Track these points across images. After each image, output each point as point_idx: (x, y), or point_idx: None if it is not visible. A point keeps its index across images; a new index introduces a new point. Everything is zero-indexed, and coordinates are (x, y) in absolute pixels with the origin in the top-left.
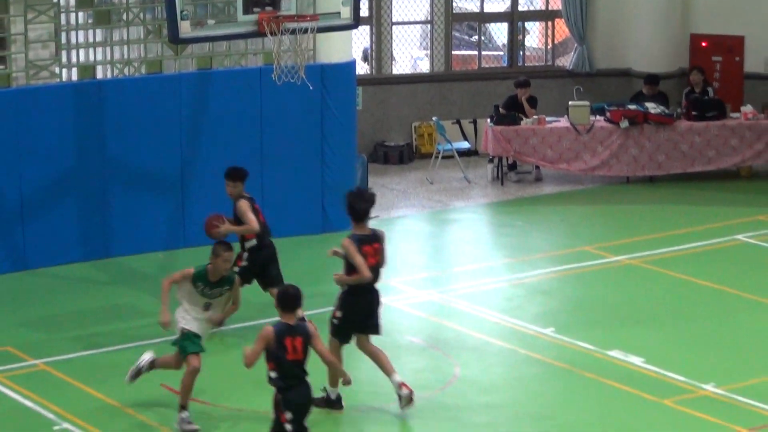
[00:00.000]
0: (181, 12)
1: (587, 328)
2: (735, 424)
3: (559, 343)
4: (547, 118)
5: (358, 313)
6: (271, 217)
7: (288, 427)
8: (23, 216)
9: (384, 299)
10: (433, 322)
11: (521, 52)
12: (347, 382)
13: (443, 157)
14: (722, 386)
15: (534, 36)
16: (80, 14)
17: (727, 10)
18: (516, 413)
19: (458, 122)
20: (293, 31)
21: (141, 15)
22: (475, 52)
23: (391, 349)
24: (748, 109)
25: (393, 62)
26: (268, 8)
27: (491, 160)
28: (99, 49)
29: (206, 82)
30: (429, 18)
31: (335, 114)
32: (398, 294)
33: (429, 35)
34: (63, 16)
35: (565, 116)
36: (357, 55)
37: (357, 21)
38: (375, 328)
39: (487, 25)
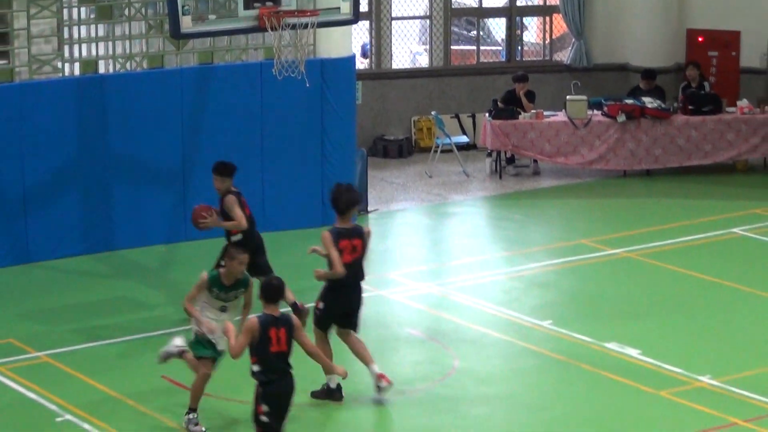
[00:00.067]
0: (183, 7)
1: (584, 320)
2: (730, 416)
3: (557, 335)
4: (545, 113)
5: (339, 308)
6: (271, 211)
7: (263, 419)
8: (26, 209)
9: (383, 292)
10: (432, 314)
11: (519, 47)
12: (342, 375)
13: (442, 151)
14: (718, 378)
15: (532, 31)
16: (82, 9)
17: (723, 6)
18: (513, 404)
19: (457, 116)
20: (293, 27)
21: (143, 10)
22: (474, 47)
23: (390, 341)
24: (744, 103)
25: (391, 57)
26: (269, 3)
27: (489, 154)
28: (101, 44)
29: (207, 76)
30: (428, 13)
31: (335, 108)
32: (397, 286)
33: (428, 30)
34: (65, 12)
35: (563, 110)
36: (356, 51)
37: (356, 16)
38: (353, 326)
39: (486, 20)
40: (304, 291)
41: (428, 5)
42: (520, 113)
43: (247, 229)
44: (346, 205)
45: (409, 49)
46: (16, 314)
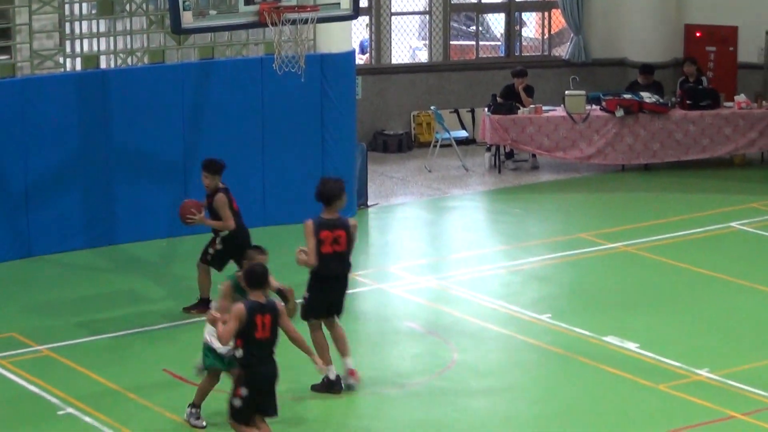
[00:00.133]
0: (184, 3)
1: (583, 313)
2: (729, 409)
3: (556, 329)
4: (544, 107)
5: (323, 299)
6: (271, 205)
7: (236, 402)
8: (28, 204)
9: (383, 285)
10: (432, 307)
11: (518, 43)
12: (319, 367)
13: (441, 146)
14: (716, 371)
15: (531, 26)
16: (84, 5)
17: (721, 1)
18: (512, 397)
19: (456, 111)
20: (294, 22)
21: (144, 5)
22: (473, 43)
23: (389, 335)
24: (741, 98)
25: (391, 52)
26: None
27: (489, 149)
28: (102, 40)
29: (208, 71)
30: (427, 9)
31: (335, 103)
32: (397, 280)
33: (427, 26)
34: (67, 7)
35: (562, 105)
36: (355, 47)
37: (356, 11)
38: (338, 313)
39: (485, 15)
40: (304, 286)
41: (427, 1)
42: (519, 108)
43: (236, 224)
44: (330, 196)
45: (409, 45)
46: (18, 308)
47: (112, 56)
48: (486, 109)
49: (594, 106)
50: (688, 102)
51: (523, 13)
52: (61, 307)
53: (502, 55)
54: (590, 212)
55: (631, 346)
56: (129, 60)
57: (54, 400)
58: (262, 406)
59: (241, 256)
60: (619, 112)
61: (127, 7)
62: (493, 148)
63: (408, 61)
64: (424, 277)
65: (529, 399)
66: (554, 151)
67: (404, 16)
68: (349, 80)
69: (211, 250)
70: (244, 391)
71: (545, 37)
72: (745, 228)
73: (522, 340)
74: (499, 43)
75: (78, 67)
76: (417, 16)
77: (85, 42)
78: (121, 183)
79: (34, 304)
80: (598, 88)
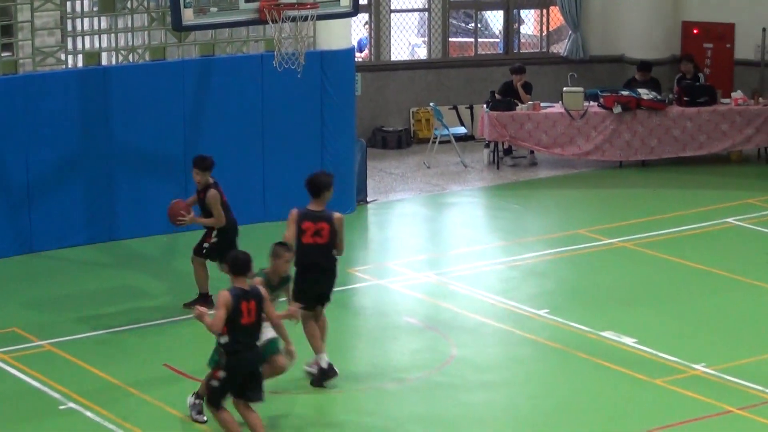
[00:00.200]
0: (184, 0)
1: (581, 309)
2: (725, 404)
3: (554, 324)
4: (542, 104)
5: (307, 288)
6: (271, 201)
7: (213, 383)
8: (30, 200)
9: (382, 281)
10: (430, 303)
11: (517, 39)
12: (289, 353)
13: (440, 142)
14: (713, 366)
15: (529, 23)
16: (85, 2)
17: None
18: (511, 392)
19: (455, 108)
20: (294, 19)
21: (145, 3)
22: (472, 40)
23: (389, 330)
24: (738, 94)
25: (390, 49)
26: None
27: (487, 145)
28: (104, 37)
29: (209, 68)
30: (426, 6)
31: (335, 99)
32: (396, 276)
33: (426, 23)
34: (69, 4)
35: (560, 102)
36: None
37: (356, 9)
38: (322, 305)
39: (484, 12)
40: None
41: None
42: (518, 104)
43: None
44: (319, 187)
45: (408, 42)
46: (19, 303)
47: (113, 53)
48: (485, 105)
49: (592, 103)
50: (685, 99)
51: (521, 11)
52: (63, 302)
53: (501, 52)
54: (588, 208)
55: (629, 341)
56: (130, 57)
57: (55, 395)
58: (247, 392)
59: (231, 248)
60: (617, 109)
61: (128, 5)
62: (492, 145)
63: (407, 58)
64: (423, 272)
65: (527, 393)
66: (552, 148)
67: (403, 13)
68: (349, 77)
69: (206, 244)
70: (222, 374)
71: (543, 34)
72: (741, 224)
73: (520, 335)
74: (497, 40)
75: (79, 64)
76: (416, 14)
77: (87, 39)
78: (122, 179)
79: (35, 300)
80: (595, 84)
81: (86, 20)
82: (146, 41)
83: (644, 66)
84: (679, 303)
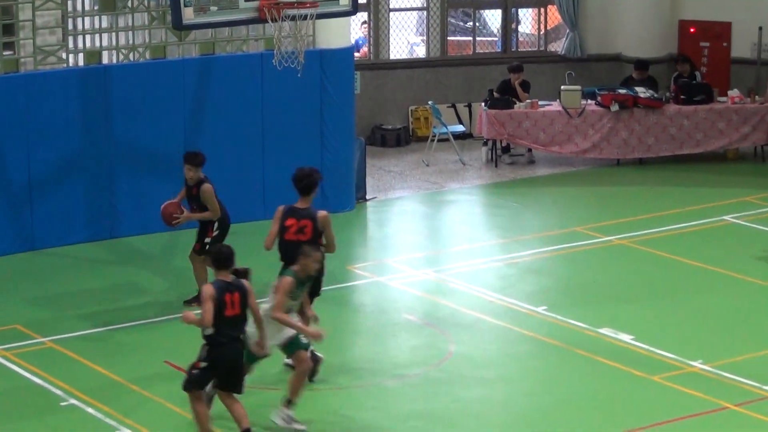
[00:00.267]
0: None
1: (578, 306)
2: (722, 400)
3: (551, 321)
4: (540, 102)
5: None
6: (271, 199)
7: (194, 371)
8: (31, 197)
9: (381, 278)
10: (429, 300)
11: (515, 38)
12: (260, 347)
13: (439, 140)
14: (710, 363)
15: (527, 22)
16: (86, 1)
17: None
18: (509, 389)
19: (453, 106)
20: (293, 18)
21: (145, 2)
22: (470, 38)
23: (387, 327)
24: (734, 93)
25: (389, 48)
26: None
27: (485, 143)
28: (105, 35)
29: (209, 67)
30: (425, 5)
31: (334, 98)
32: (395, 273)
33: (425, 21)
34: (69, 3)
35: (557, 100)
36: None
37: (355, 7)
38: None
39: (482, 11)
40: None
41: None
42: (516, 103)
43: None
44: (303, 186)
45: (407, 40)
46: (21, 301)
47: (114, 52)
48: (483, 104)
49: (589, 101)
50: (682, 97)
51: (519, 9)
52: (64, 299)
53: (499, 50)
54: (586, 206)
55: (626, 337)
56: (131, 56)
57: (57, 391)
58: (229, 383)
59: (224, 238)
60: (614, 107)
61: (129, 4)
62: (490, 143)
63: (406, 57)
64: (421, 269)
65: (524, 390)
66: (550, 146)
67: (402, 12)
68: (348, 75)
69: (207, 239)
70: (203, 364)
71: (541, 33)
72: (738, 221)
73: (518, 332)
74: (495, 38)
75: (80, 62)
76: (415, 12)
77: (88, 38)
78: (123, 177)
79: (37, 297)
80: (593, 83)
81: (87, 19)
82: (147, 40)
83: (641, 64)
84: (676, 300)
